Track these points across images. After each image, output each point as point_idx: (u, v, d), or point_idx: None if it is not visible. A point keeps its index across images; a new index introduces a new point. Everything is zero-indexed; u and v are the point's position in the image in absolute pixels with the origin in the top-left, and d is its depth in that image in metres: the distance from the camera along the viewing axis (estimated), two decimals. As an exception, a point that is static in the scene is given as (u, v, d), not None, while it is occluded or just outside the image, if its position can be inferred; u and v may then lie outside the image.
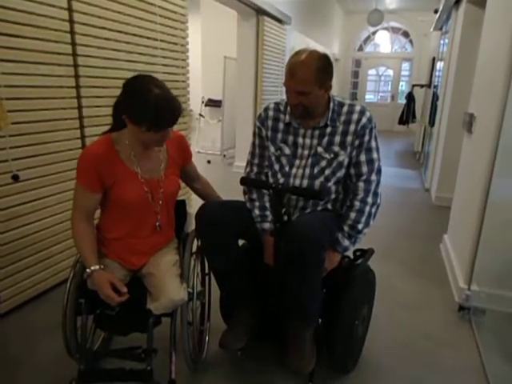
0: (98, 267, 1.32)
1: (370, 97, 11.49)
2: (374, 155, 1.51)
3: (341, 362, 1.66)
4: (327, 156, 1.51)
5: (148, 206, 1.44)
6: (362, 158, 1.50)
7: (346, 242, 1.51)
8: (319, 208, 1.55)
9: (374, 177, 1.51)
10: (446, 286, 2.45)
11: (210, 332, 1.81)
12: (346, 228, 1.51)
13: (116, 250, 1.45)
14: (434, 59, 6.11)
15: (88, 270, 1.32)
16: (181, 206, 1.67)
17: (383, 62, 11.00)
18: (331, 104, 1.51)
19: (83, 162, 1.35)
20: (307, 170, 1.53)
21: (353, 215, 1.50)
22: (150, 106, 1.25)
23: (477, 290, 2.12)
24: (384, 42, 10.78)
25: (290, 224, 1.40)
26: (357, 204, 1.50)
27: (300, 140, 1.55)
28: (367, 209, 1.50)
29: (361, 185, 1.50)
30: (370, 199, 1.50)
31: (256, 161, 1.66)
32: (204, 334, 1.78)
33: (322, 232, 1.37)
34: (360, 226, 1.50)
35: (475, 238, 2.09)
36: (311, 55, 1.42)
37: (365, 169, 1.50)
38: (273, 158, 1.59)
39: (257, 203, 1.60)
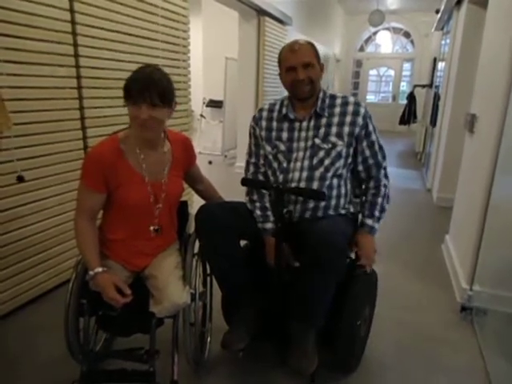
0: (101, 269, 1.31)
1: (371, 97, 11.47)
2: (379, 141, 1.61)
3: (343, 363, 1.65)
4: (325, 146, 1.54)
5: (150, 208, 1.44)
6: (376, 147, 1.60)
7: (377, 225, 1.62)
8: (331, 212, 1.57)
9: (385, 162, 1.64)
10: (448, 286, 2.44)
11: (212, 332, 1.82)
12: (376, 213, 1.61)
13: (118, 251, 1.45)
14: (435, 59, 6.10)
15: (91, 273, 1.31)
16: (182, 207, 1.66)
17: (384, 63, 10.99)
18: (321, 94, 1.58)
19: (89, 163, 1.35)
20: (306, 162, 1.55)
21: (379, 200, 1.61)
22: (132, 76, 1.29)
23: (479, 291, 2.12)
24: (385, 42, 10.77)
25: (313, 232, 1.39)
26: (382, 190, 1.62)
27: (295, 134, 1.58)
28: (387, 192, 1.64)
29: (382, 172, 1.63)
30: (386, 182, 1.65)
31: (253, 159, 1.70)
32: (206, 334, 1.78)
33: (345, 241, 1.43)
34: (386, 208, 1.63)
35: (477, 238, 2.08)
36: (301, 39, 1.57)
37: (380, 157, 1.61)
38: (270, 157, 1.61)
39: (258, 204, 1.61)
